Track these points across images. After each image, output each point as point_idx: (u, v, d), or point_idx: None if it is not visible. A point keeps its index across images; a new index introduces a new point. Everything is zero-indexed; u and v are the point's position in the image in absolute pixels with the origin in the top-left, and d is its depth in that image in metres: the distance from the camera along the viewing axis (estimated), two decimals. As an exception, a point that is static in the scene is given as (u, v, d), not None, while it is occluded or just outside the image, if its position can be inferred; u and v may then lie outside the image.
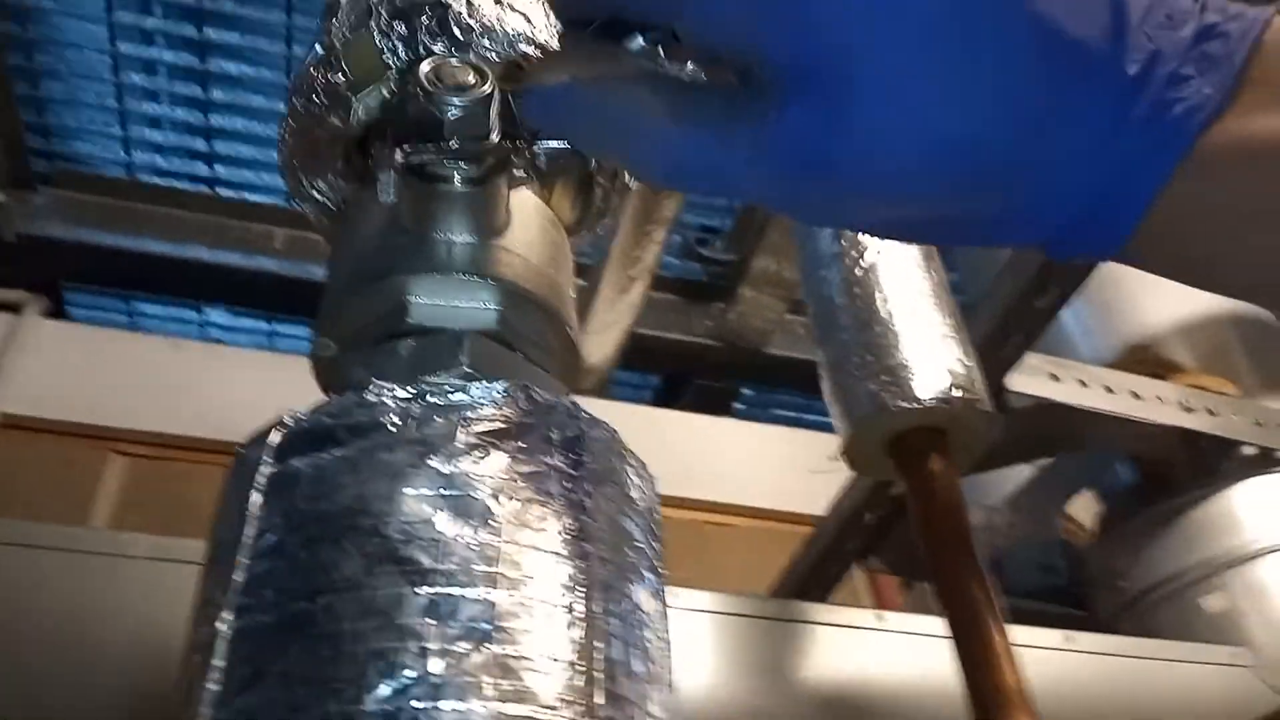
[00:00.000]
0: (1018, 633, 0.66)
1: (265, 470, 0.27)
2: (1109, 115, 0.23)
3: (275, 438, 0.27)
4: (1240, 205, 0.23)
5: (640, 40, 0.27)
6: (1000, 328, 1.06)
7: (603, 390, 1.50)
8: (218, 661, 0.23)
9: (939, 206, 0.25)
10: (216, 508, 0.28)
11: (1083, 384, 1.05)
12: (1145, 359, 1.15)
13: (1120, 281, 1.20)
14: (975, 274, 1.35)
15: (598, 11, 0.27)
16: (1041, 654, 0.82)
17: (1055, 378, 1.06)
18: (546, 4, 0.37)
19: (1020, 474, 1.20)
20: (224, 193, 1.49)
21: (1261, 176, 0.23)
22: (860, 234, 0.78)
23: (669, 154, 0.26)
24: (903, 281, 0.77)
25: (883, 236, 0.28)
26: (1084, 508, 1.22)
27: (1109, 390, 1.06)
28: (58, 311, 1.42)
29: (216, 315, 1.61)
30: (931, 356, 0.71)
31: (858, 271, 0.77)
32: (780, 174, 0.24)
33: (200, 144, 1.47)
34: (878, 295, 0.75)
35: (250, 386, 1.26)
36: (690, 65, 0.27)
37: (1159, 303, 1.18)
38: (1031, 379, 1.06)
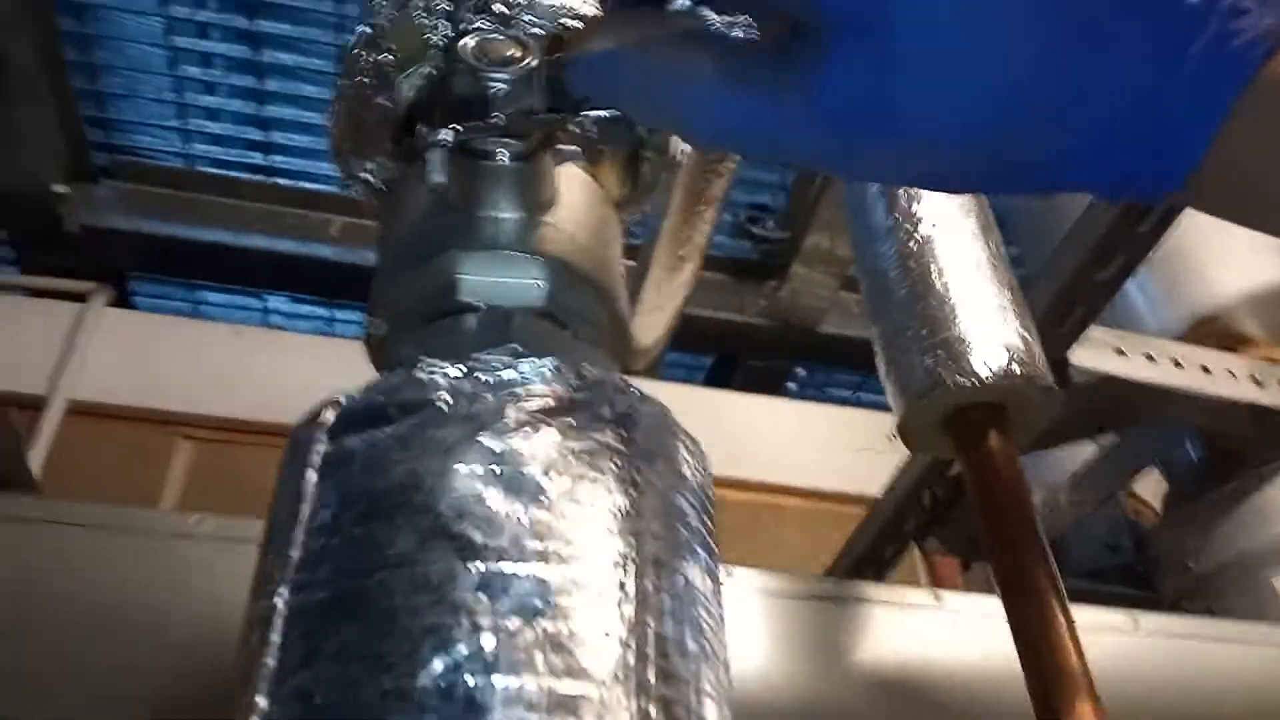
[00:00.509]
0: (1081, 613, 0.64)
1: (319, 449, 0.27)
2: (1169, 48, 0.22)
3: (328, 417, 0.27)
4: None
5: None
6: (1062, 301, 1.04)
7: (654, 371, 1.49)
8: (274, 638, 0.23)
9: (989, 154, 0.24)
10: (275, 487, 0.28)
11: (1149, 358, 1.02)
12: (1214, 331, 1.12)
13: (1187, 252, 1.17)
14: (1036, 246, 1.33)
15: None
16: (1105, 636, 0.80)
17: (1120, 352, 1.04)
18: None
19: (1084, 451, 1.17)
20: (281, 182, 1.51)
21: None
22: (911, 203, 0.76)
23: (717, 114, 0.25)
24: (960, 254, 0.75)
25: (933, 188, 0.27)
26: (1150, 486, 1.19)
27: (1177, 364, 1.03)
28: (123, 300, 1.45)
29: (277, 302, 1.64)
30: (990, 330, 0.70)
31: (912, 245, 0.76)
32: (829, 128, 0.24)
33: (256, 134, 1.49)
34: (933, 268, 0.74)
35: (310, 371, 1.28)
36: (736, 21, 0.26)
37: (1228, 273, 1.14)
38: (1095, 353, 1.04)
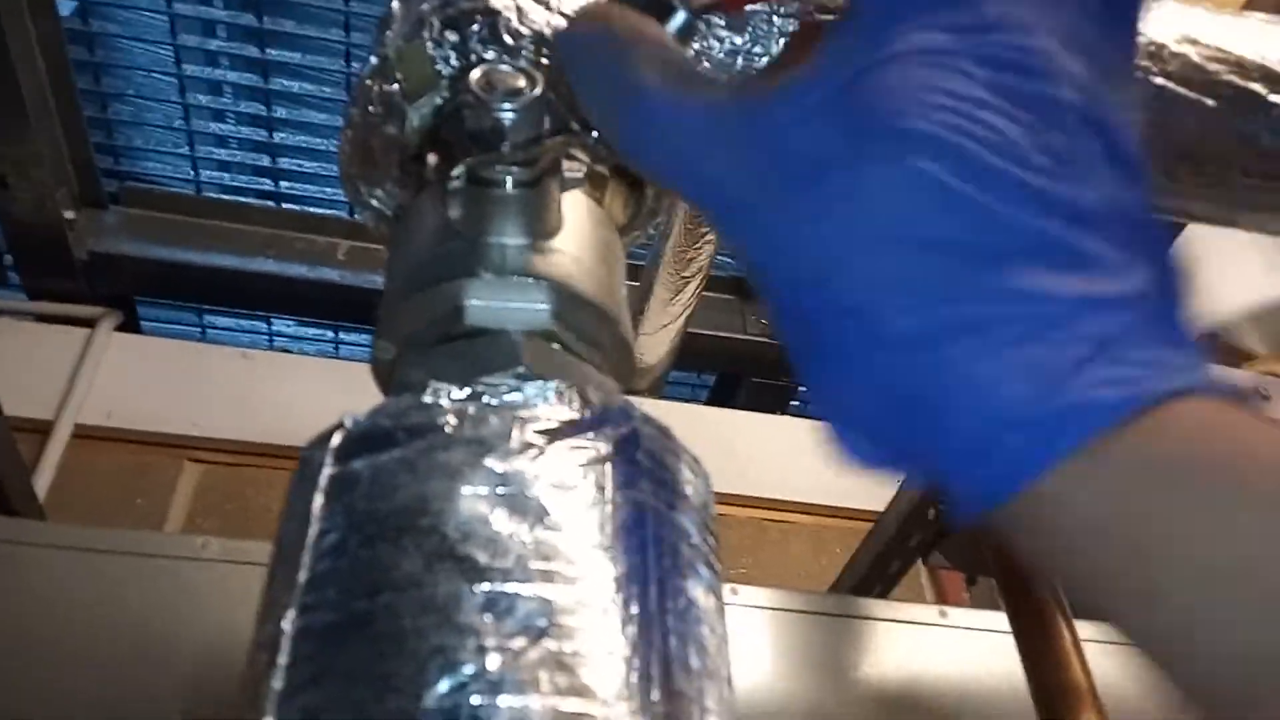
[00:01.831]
0: (1085, 628, 0.64)
1: (327, 472, 0.27)
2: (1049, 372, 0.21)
3: (336, 440, 0.28)
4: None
5: (681, 18, 0.28)
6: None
7: (657, 390, 1.50)
8: (282, 660, 0.24)
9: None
10: (282, 509, 0.29)
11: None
12: (1217, 347, 1.12)
13: (1190, 269, 1.17)
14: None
15: None
16: (1109, 648, 0.80)
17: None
18: None
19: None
20: (288, 207, 1.52)
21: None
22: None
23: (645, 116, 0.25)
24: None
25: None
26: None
27: (1180, 380, 1.03)
28: (132, 325, 1.46)
29: (283, 325, 1.65)
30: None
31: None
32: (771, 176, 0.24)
33: (265, 160, 1.50)
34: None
35: (316, 393, 1.29)
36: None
37: (1230, 290, 1.14)
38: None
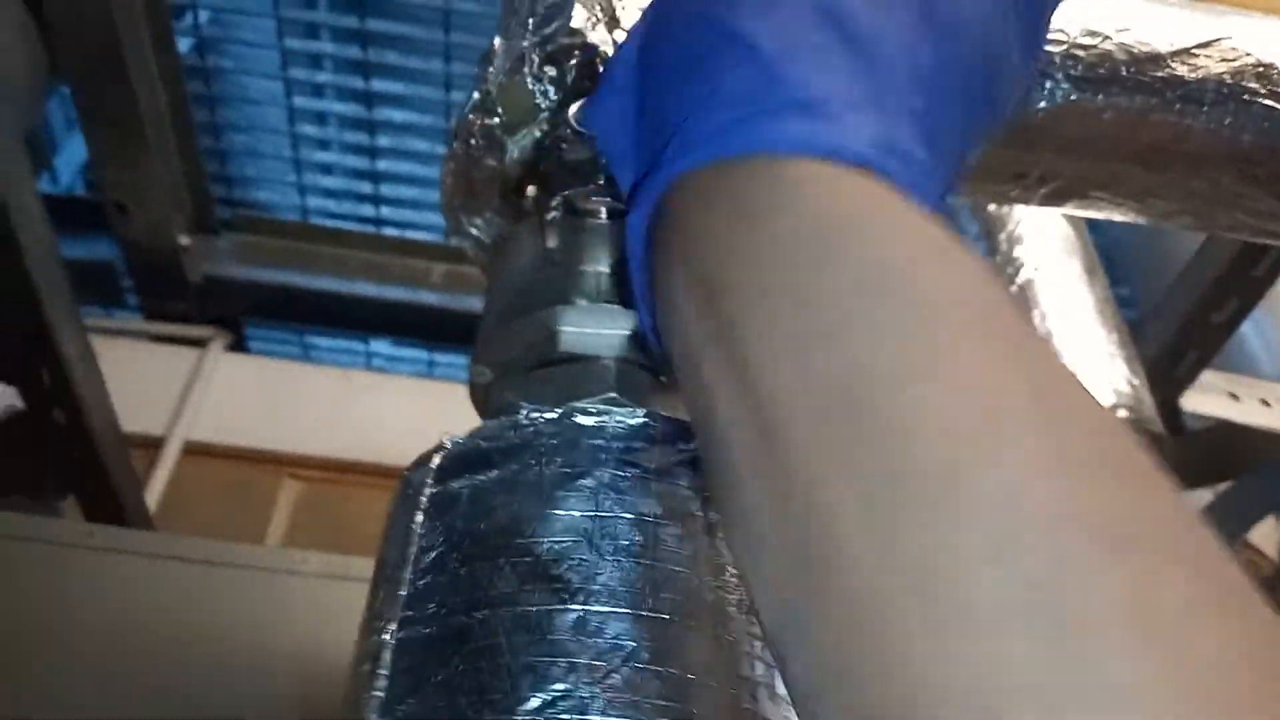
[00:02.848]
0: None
1: (427, 492, 0.28)
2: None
3: (436, 461, 0.29)
4: None
5: None
6: (1174, 344, 1.01)
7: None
8: (383, 670, 0.25)
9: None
10: (385, 527, 0.30)
11: (1264, 403, 0.98)
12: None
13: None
14: (1147, 286, 1.29)
15: None
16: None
17: (1235, 397, 1.00)
18: None
19: (1198, 500, 1.12)
20: (388, 232, 1.57)
21: None
22: (1013, 246, 0.76)
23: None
24: (1064, 298, 0.74)
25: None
26: (1267, 535, 1.13)
27: (1295, 411, 0.99)
28: (239, 345, 1.53)
29: (380, 345, 1.70)
30: (1095, 376, 0.68)
31: (1014, 288, 0.75)
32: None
33: (367, 187, 1.56)
34: (1035, 313, 0.73)
35: (411, 412, 1.32)
36: None
37: (1351, 316, 1.09)
38: (1208, 398, 1.00)
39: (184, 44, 1.36)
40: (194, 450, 1.27)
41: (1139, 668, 0.16)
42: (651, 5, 0.29)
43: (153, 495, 1.19)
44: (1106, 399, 0.66)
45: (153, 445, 1.25)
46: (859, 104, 0.24)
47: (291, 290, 1.48)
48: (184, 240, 1.40)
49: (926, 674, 0.17)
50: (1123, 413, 0.66)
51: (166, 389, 1.32)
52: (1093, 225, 0.96)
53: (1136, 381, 0.69)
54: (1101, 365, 0.68)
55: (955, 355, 0.19)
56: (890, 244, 0.21)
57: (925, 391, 0.19)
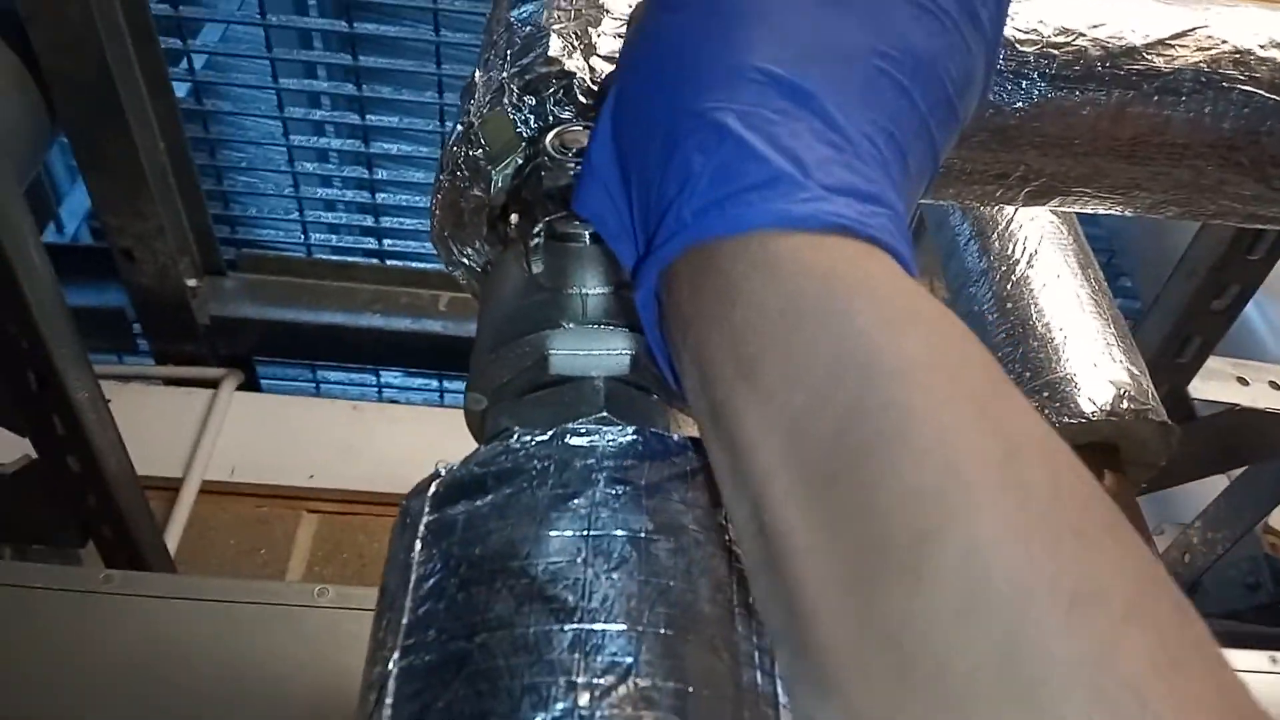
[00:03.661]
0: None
1: (425, 519, 0.29)
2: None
3: (432, 489, 0.30)
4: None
5: None
6: (1178, 332, 1.01)
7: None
8: (388, 699, 0.25)
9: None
10: (387, 556, 0.30)
11: (1275, 386, 0.97)
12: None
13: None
14: (1150, 277, 1.29)
15: None
16: (1245, 678, 0.76)
17: (1243, 381, 1.00)
18: None
19: (1215, 487, 1.12)
20: (392, 263, 1.59)
21: None
22: (1006, 244, 0.76)
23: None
24: (1059, 292, 0.74)
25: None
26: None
27: (1304, 392, 0.98)
28: (251, 383, 1.54)
29: (390, 376, 1.71)
30: (1095, 368, 0.69)
31: (1009, 286, 0.75)
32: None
33: (369, 220, 1.57)
34: (1032, 308, 0.73)
35: (424, 440, 1.33)
36: None
37: (1357, 294, 1.09)
38: (1216, 384, 1.00)
39: (181, 89, 1.38)
40: (211, 490, 1.28)
41: None
42: (616, 87, 0.30)
43: (172, 537, 1.20)
44: (1106, 391, 0.66)
45: (170, 487, 1.26)
46: (827, 166, 0.25)
47: (299, 326, 1.50)
48: (191, 282, 1.42)
49: None
50: (1124, 403, 0.66)
51: (181, 431, 1.33)
52: (1091, 218, 0.96)
53: (1137, 371, 0.69)
54: (1100, 358, 0.68)
55: (924, 424, 0.20)
56: (861, 315, 0.22)
57: (895, 462, 0.20)
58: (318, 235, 1.59)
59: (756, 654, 0.26)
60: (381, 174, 1.51)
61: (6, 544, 0.93)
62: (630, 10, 0.34)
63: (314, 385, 1.72)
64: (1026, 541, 0.18)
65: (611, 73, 0.35)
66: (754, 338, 0.23)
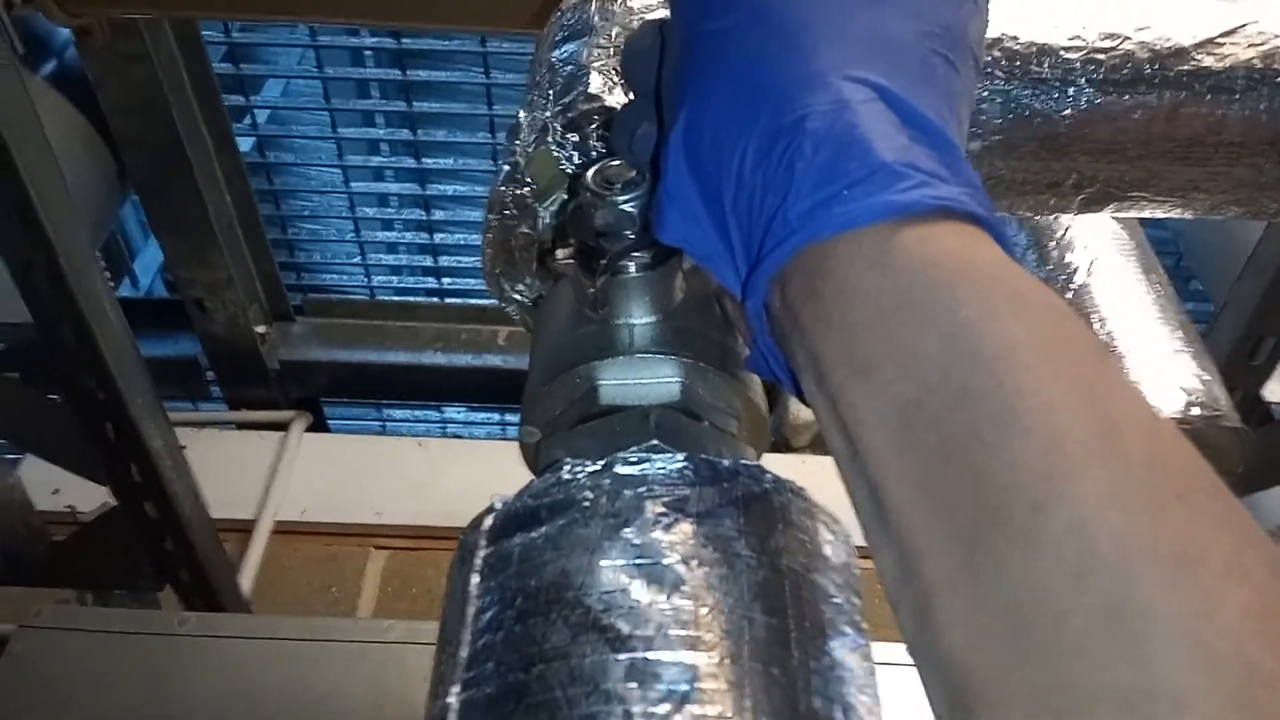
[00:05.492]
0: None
1: (481, 553, 0.29)
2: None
3: (488, 522, 0.30)
4: None
5: None
6: (1249, 333, 0.97)
7: (817, 445, 1.48)
8: (450, 732, 0.25)
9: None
10: (445, 590, 0.31)
11: (1357, 388, 0.94)
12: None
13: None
14: (1220, 279, 1.25)
15: None
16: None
17: (1323, 384, 0.96)
18: None
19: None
20: (451, 301, 1.62)
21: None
22: (1064, 253, 0.74)
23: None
24: (1122, 299, 0.73)
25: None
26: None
27: (1389, 392, 0.94)
28: (319, 425, 1.57)
29: (453, 412, 1.73)
30: (1162, 375, 0.67)
31: (1069, 295, 0.74)
32: None
33: (428, 260, 1.61)
34: (1094, 318, 0.71)
35: (487, 474, 1.34)
36: None
37: None
38: (1294, 387, 0.96)
39: (245, 143, 1.42)
40: (283, 530, 1.31)
41: (1197, 679, 0.18)
42: (685, 113, 0.30)
43: (247, 578, 1.22)
44: (1175, 398, 0.64)
45: (244, 529, 1.29)
46: (915, 153, 0.26)
47: (365, 367, 1.53)
48: (260, 329, 1.46)
49: (1023, 682, 0.19)
50: (1195, 410, 0.64)
51: (253, 474, 1.36)
52: (1156, 220, 0.93)
53: (1208, 376, 0.67)
54: (1167, 364, 0.67)
55: (1029, 404, 0.22)
56: (966, 305, 0.24)
57: (1003, 441, 0.21)
58: (379, 277, 1.63)
59: (814, 679, 0.26)
60: (439, 214, 1.54)
61: (88, 590, 0.97)
62: (627, 40, 0.35)
63: (380, 424, 1.75)
64: (1128, 508, 0.20)
65: (626, 105, 0.35)
66: (867, 336, 0.24)
